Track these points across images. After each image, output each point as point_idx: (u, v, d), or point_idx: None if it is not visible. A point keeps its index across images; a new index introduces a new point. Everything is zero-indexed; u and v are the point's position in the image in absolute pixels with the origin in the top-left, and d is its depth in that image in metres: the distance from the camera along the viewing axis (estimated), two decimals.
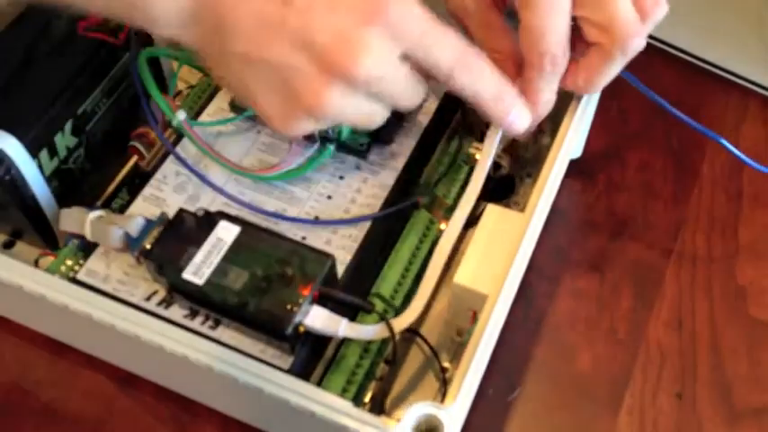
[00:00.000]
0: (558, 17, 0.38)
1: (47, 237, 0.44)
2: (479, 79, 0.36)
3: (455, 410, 0.33)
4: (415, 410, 0.33)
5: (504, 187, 0.50)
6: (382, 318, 0.39)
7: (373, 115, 0.35)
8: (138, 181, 0.45)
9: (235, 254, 0.38)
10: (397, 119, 0.45)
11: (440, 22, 0.34)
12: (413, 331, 0.44)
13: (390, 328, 0.37)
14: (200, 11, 0.33)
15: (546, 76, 0.39)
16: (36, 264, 0.44)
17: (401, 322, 0.38)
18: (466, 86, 0.36)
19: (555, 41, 0.38)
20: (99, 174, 0.46)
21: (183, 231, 0.39)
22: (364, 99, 0.34)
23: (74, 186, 0.45)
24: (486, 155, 0.41)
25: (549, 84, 0.40)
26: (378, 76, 0.33)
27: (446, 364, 0.43)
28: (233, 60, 0.34)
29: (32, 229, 0.44)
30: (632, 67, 0.41)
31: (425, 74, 0.35)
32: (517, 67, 0.41)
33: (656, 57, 0.58)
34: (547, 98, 0.41)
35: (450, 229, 0.39)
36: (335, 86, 0.33)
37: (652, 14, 0.39)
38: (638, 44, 0.39)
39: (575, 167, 0.52)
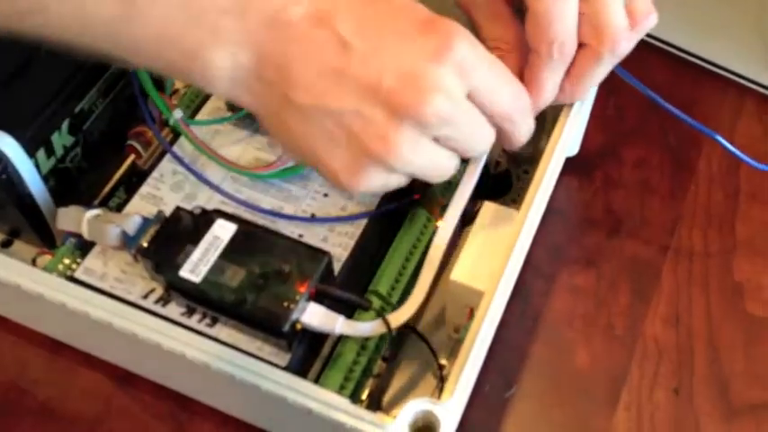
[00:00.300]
0: (567, 4, 0.38)
1: (44, 235, 0.44)
2: (525, 122, 0.36)
3: (452, 406, 0.33)
4: (412, 407, 0.33)
5: (502, 185, 0.50)
6: (379, 314, 0.39)
7: (445, 164, 0.34)
8: (135, 180, 0.45)
9: (231, 252, 0.39)
10: None
11: (501, 63, 0.35)
12: (410, 328, 0.44)
13: (387, 324, 0.38)
14: (261, 67, 0.32)
15: (553, 64, 0.39)
16: (33, 262, 0.44)
17: (398, 318, 0.38)
18: (516, 129, 0.36)
19: (563, 29, 0.38)
20: (96, 172, 0.46)
21: (180, 229, 0.39)
22: (435, 145, 0.33)
23: (71, 185, 0.45)
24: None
25: (554, 73, 0.40)
26: (448, 116, 0.32)
27: (443, 362, 0.43)
28: (294, 116, 0.32)
29: (30, 227, 0.44)
30: (628, 63, 0.41)
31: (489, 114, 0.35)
32: (523, 60, 0.41)
33: (653, 54, 0.58)
34: (551, 88, 0.40)
35: (445, 226, 0.39)
36: (405, 130, 0.31)
37: (643, 24, 0.39)
38: (626, 48, 0.39)
39: (572, 165, 0.52)
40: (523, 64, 0.41)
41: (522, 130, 0.37)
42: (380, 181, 0.33)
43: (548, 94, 0.41)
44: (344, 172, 0.33)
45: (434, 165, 0.34)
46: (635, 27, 0.39)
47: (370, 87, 0.31)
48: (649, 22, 0.40)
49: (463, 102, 0.33)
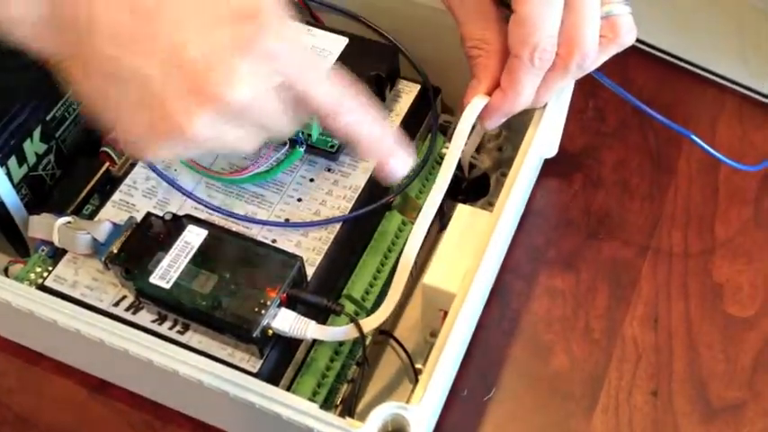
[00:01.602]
0: (552, 11, 0.38)
1: (17, 244, 0.44)
2: (359, 124, 0.35)
3: (422, 409, 0.33)
4: (381, 411, 0.33)
5: (480, 187, 0.50)
6: (352, 320, 0.39)
7: (242, 142, 0.33)
8: (109, 186, 0.45)
9: (202, 257, 0.38)
10: None
11: (315, 58, 0.34)
12: (387, 333, 0.44)
13: (359, 329, 0.37)
14: (60, 6, 0.31)
15: (532, 70, 0.40)
16: (6, 271, 0.44)
17: (370, 323, 0.38)
18: (346, 129, 0.35)
19: (547, 35, 0.39)
20: (70, 180, 0.46)
21: (151, 236, 0.39)
22: (234, 126, 0.32)
23: (45, 193, 0.45)
24: (452, 154, 0.41)
25: (532, 79, 0.40)
26: (251, 105, 0.31)
27: (419, 366, 0.43)
28: (100, 67, 0.31)
29: (2, 236, 0.44)
30: (608, 65, 0.41)
31: (304, 105, 0.34)
32: (501, 63, 0.42)
33: (632, 55, 0.57)
34: (529, 93, 0.41)
35: (417, 229, 0.39)
36: (206, 111, 0.31)
37: (623, 39, 0.40)
38: (593, 65, 0.40)
39: (551, 166, 0.52)
40: (501, 67, 0.42)
41: (363, 132, 0.35)
42: (176, 152, 0.33)
43: (525, 99, 0.41)
44: (141, 138, 0.32)
45: (235, 143, 0.33)
46: (614, 41, 0.40)
47: (175, 55, 0.30)
48: (629, 39, 0.41)
49: (269, 92, 0.32)
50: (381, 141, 0.36)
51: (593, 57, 0.40)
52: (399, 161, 0.36)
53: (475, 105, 0.42)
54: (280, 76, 0.32)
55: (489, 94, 0.42)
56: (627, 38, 0.40)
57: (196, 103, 0.30)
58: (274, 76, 0.32)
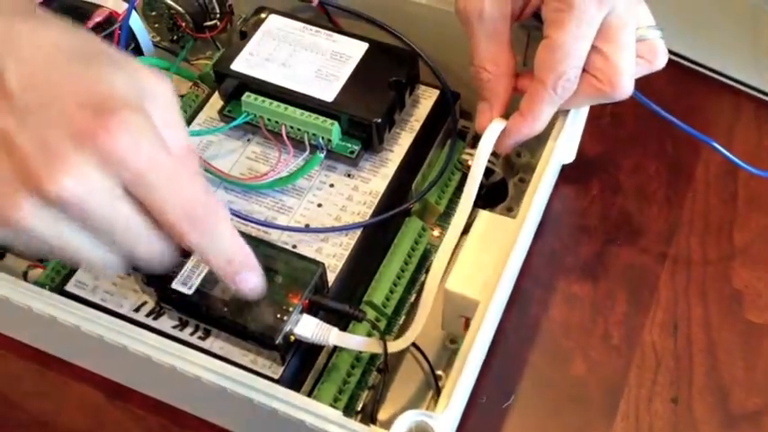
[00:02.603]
0: (585, 42, 0.39)
1: None
2: (212, 241, 0.32)
3: (447, 418, 0.33)
4: (406, 418, 0.33)
5: (497, 193, 0.50)
6: (374, 326, 0.39)
7: (91, 252, 0.31)
8: None
9: None
10: (388, 125, 0.44)
11: (188, 161, 0.31)
12: None
13: (385, 348, 0.37)
14: None
15: (553, 98, 0.41)
16: (25, 276, 0.44)
17: (398, 344, 0.38)
18: (197, 247, 0.31)
19: (574, 65, 0.39)
20: None
21: None
22: (73, 228, 0.30)
23: None
24: (477, 168, 0.41)
25: (552, 106, 0.41)
26: (78, 200, 0.28)
27: (440, 372, 0.43)
28: None
29: None
30: None
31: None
32: (508, 87, 0.42)
33: None
34: (546, 119, 0.42)
35: (443, 249, 0.39)
36: (28, 199, 0.28)
37: (656, 63, 0.41)
38: (628, 93, 0.41)
39: (568, 172, 0.52)
40: (510, 91, 0.43)
41: (214, 251, 0.32)
42: (3, 234, 0.30)
43: (542, 124, 0.42)
44: None
45: (69, 243, 0.30)
46: (649, 66, 0.41)
47: (7, 142, 0.28)
48: (662, 62, 0.42)
49: (106, 191, 0.29)
50: (234, 261, 0.33)
51: (630, 90, 0.40)
52: (253, 281, 0.34)
53: (494, 129, 0.42)
54: (121, 175, 0.29)
55: (500, 116, 0.43)
56: (661, 62, 0.41)
57: (20, 189, 0.28)
58: (117, 178, 0.29)
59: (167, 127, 0.31)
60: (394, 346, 0.38)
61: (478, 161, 0.42)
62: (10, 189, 0.28)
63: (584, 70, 0.40)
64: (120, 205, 0.30)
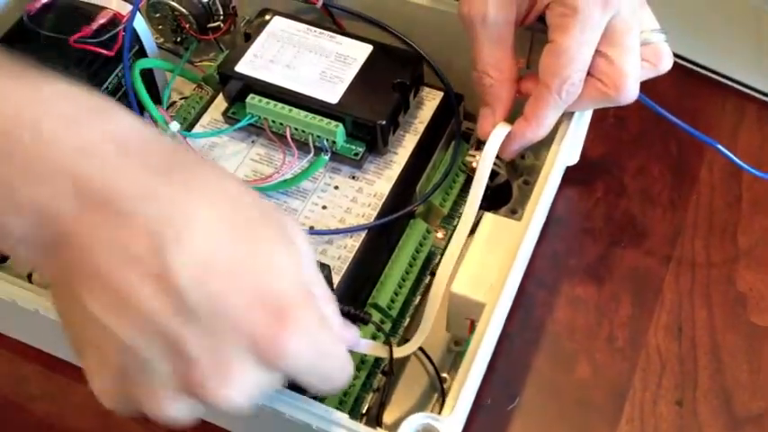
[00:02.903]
0: (588, 47, 0.39)
1: None
2: (333, 382, 0.30)
3: (453, 421, 0.33)
4: (412, 421, 0.33)
5: (501, 194, 0.50)
6: (378, 328, 0.39)
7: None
8: None
9: None
10: (392, 127, 0.44)
11: (331, 332, 0.28)
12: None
13: (390, 352, 0.37)
14: (58, 241, 0.26)
15: (558, 102, 0.41)
16: (29, 278, 0.44)
17: (404, 350, 0.38)
18: (318, 391, 0.30)
19: (579, 69, 0.40)
20: None
21: None
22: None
23: None
24: (482, 172, 0.41)
25: (557, 110, 0.41)
26: (239, 408, 0.26)
27: (445, 375, 0.43)
28: (83, 313, 0.26)
29: None
30: None
31: None
32: (510, 92, 0.42)
33: None
34: (550, 124, 0.42)
35: (449, 254, 0.39)
36: (182, 401, 0.26)
37: (662, 66, 0.41)
38: (633, 97, 0.41)
39: (572, 174, 0.52)
40: (513, 96, 0.43)
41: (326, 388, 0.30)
42: (133, 413, 0.28)
43: (546, 129, 0.42)
44: (104, 395, 0.28)
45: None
46: (654, 69, 0.41)
47: (176, 348, 0.25)
48: (668, 66, 0.42)
49: (265, 392, 0.27)
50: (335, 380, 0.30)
51: (635, 94, 0.40)
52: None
53: (499, 133, 0.42)
54: (287, 373, 0.27)
55: (503, 121, 0.43)
56: (666, 65, 0.41)
57: (181, 398, 0.26)
58: (282, 372, 0.27)
59: (325, 303, 0.29)
60: (400, 352, 0.38)
61: (484, 165, 0.42)
62: (167, 393, 0.26)
63: (588, 74, 0.40)
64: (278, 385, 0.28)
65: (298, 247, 0.28)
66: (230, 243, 0.26)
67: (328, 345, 0.28)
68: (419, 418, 0.33)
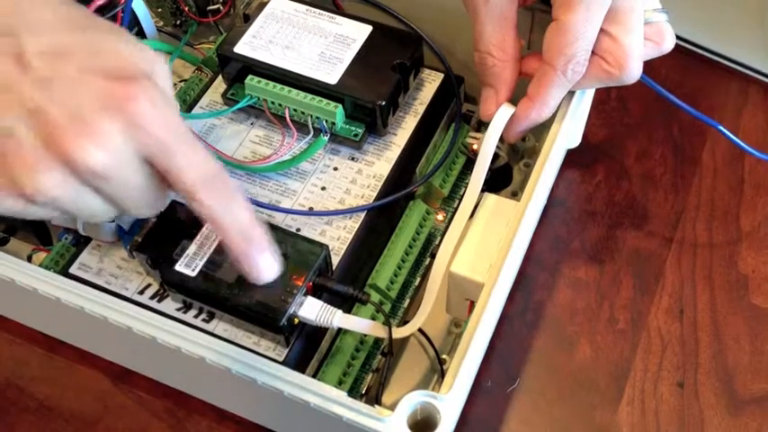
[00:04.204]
0: (593, 25, 0.39)
1: (40, 233, 0.44)
2: (228, 207, 0.31)
3: (452, 399, 0.33)
4: (410, 399, 0.33)
5: (502, 177, 0.49)
6: (378, 309, 0.39)
7: (98, 210, 0.31)
8: None
9: None
10: (392, 108, 0.44)
11: (192, 134, 0.31)
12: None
13: (389, 331, 0.37)
14: None
15: (563, 81, 0.40)
16: (29, 259, 0.44)
17: (403, 331, 0.38)
18: (212, 211, 0.31)
19: (585, 48, 0.39)
20: None
21: (176, 224, 0.39)
22: (87, 192, 0.30)
23: None
24: (485, 153, 0.41)
25: (561, 90, 0.41)
26: (106, 171, 0.29)
27: (444, 356, 0.43)
28: None
29: (25, 225, 0.44)
30: None
31: (167, 183, 0.31)
32: (514, 74, 0.42)
33: None
34: (554, 104, 0.41)
35: (449, 236, 0.39)
36: (56, 169, 0.29)
37: (665, 46, 0.41)
38: (636, 76, 0.40)
39: (574, 157, 0.51)
40: (516, 77, 0.42)
41: (229, 220, 0.32)
42: (17, 207, 0.30)
43: (551, 109, 0.41)
44: None
45: (82, 207, 0.30)
46: (657, 48, 0.41)
47: (37, 112, 0.29)
48: (670, 46, 0.41)
49: (129, 160, 0.30)
50: (250, 235, 0.32)
51: (638, 73, 0.40)
52: (268, 260, 0.33)
53: (502, 114, 0.42)
54: (145, 144, 0.30)
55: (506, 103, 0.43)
56: (669, 44, 0.41)
57: (47, 159, 0.28)
58: (140, 144, 0.30)
59: (170, 98, 0.31)
60: (399, 333, 0.38)
61: (487, 146, 0.41)
62: (34, 156, 0.28)
63: (592, 53, 0.40)
64: (138, 171, 0.30)
65: (133, 39, 0.32)
66: (71, 28, 0.30)
67: (180, 125, 0.31)
68: (418, 396, 0.33)
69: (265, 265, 0.33)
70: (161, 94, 0.30)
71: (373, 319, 0.40)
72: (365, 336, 0.40)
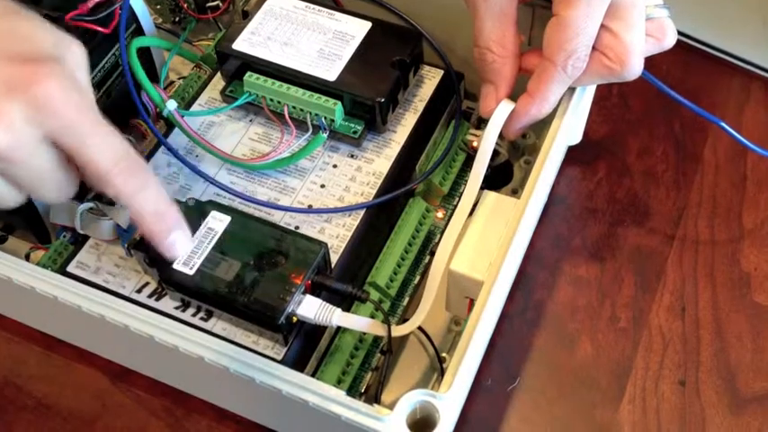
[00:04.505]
0: (594, 20, 0.39)
1: (38, 231, 0.44)
2: (142, 189, 0.31)
3: (451, 398, 0.33)
4: (410, 398, 0.32)
5: (502, 174, 0.49)
6: (377, 307, 0.39)
7: (3, 195, 0.31)
8: None
9: (226, 244, 0.38)
10: (392, 105, 0.44)
11: (104, 120, 0.31)
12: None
13: (389, 331, 0.37)
14: None
15: (563, 77, 0.40)
16: (27, 258, 0.44)
17: (402, 329, 0.38)
18: (124, 193, 0.31)
19: (586, 43, 0.39)
20: None
21: None
22: None
23: None
24: (484, 150, 0.41)
25: (562, 86, 0.41)
26: (7, 152, 0.29)
27: (444, 355, 0.43)
28: None
29: (23, 223, 0.43)
30: None
31: (76, 168, 0.31)
32: (514, 70, 0.42)
33: None
34: (554, 100, 0.41)
35: (449, 234, 0.39)
36: None
37: (666, 42, 0.41)
38: (638, 72, 0.40)
39: (575, 154, 0.51)
40: (515, 73, 0.42)
41: (141, 201, 0.32)
42: None
43: (551, 105, 0.41)
44: None
45: None
46: (658, 44, 0.40)
47: None
48: (672, 42, 0.41)
49: (32, 144, 0.29)
50: (164, 215, 0.32)
51: (640, 69, 0.40)
52: (180, 237, 0.33)
53: (502, 110, 0.42)
54: (51, 127, 0.29)
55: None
56: (670, 40, 0.41)
57: None
58: (45, 127, 0.29)
59: (83, 84, 0.31)
60: (398, 331, 0.38)
61: (487, 143, 0.41)
62: None
63: (593, 48, 0.40)
64: (44, 154, 0.30)
65: (46, 25, 0.31)
66: None
67: (89, 108, 0.30)
68: (417, 395, 0.32)
69: (178, 243, 0.33)
70: (70, 77, 0.30)
71: (372, 317, 0.39)
72: (364, 334, 0.40)
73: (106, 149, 0.31)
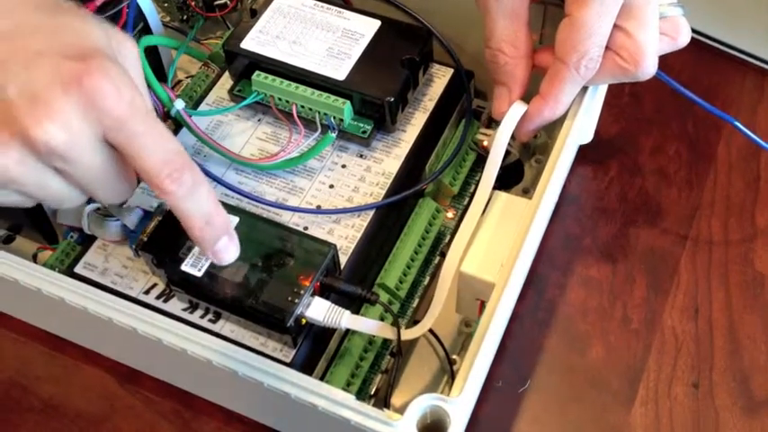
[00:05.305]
0: (607, 20, 0.38)
1: (45, 231, 0.44)
2: (191, 193, 0.31)
3: (462, 402, 0.32)
4: (420, 402, 0.32)
5: (513, 174, 0.49)
6: (387, 309, 0.38)
7: (62, 195, 0.31)
8: None
9: None
10: (401, 104, 0.44)
11: (158, 119, 0.31)
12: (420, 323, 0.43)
13: (398, 334, 0.36)
14: None
15: (576, 78, 0.39)
16: (34, 258, 0.44)
17: (411, 333, 0.37)
18: (172, 196, 0.31)
19: (599, 43, 0.38)
20: None
21: None
22: (48, 173, 0.29)
23: None
24: (496, 152, 0.40)
25: (574, 87, 0.40)
26: (61, 149, 0.28)
27: (455, 356, 0.42)
28: None
29: (31, 223, 0.43)
30: None
31: (132, 169, 0.31)
32: (527, 71, 0.41)
33: None
34: (567, 101, 0.41)
35: (460, 236, 0.39)
36: (13, 148, 0.28)
37: (680, 41, 0.40)
38: (652, 72, 0.39)
39: (586, 153, 0.51)
40: (528, 74, 0.41)
41: (193, 207, 0.31)
42: None
43: (564, 107, 0.41)
44: None
45: (45, 189, 0.30)
46: (673, 43, 0.40)
47: None
48: (686, 40, 0.41)
49: (87, 139, 0.29)
50: (213, 222, 0.32)
51: (654, 69, 0.39)
52: (228, 243, 0.33)
53: (514, 113, 0.41)
54: (104, 123, 0.29)
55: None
56: (684, 39, 0.40)
57: (4, 137, 0.28)
58: (98, 123, 0.29)
59: (136, 81, 0.31)
60: (409, 334, 0.37)
61: (498, 145, 0.41)
62: None
63: (606, 48, 0.39)
64: (99, 152, 0.30)
65: (98, 21, 0.31)
66: (31, 8, 0.30)
67: (143, 106, 0.30)
68: (427, 399, 0.32)
69: (225, 250, 0.33)
70: (123, 74, 0.30)
71: (382, 319, 0.39)
72: (374, 336, 0.40)
73: (157, 150, 0.30)
